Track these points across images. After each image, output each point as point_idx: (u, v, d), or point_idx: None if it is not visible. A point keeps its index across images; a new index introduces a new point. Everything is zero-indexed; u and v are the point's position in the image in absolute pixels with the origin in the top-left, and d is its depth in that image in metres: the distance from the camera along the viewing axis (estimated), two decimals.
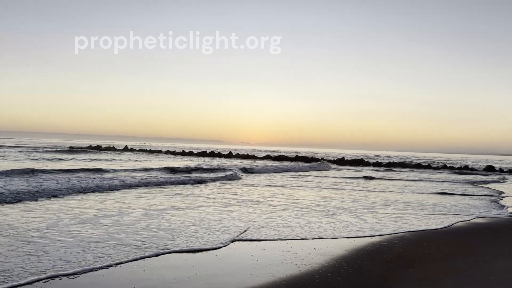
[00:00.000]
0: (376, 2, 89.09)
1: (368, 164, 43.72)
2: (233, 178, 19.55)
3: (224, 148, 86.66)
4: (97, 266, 5.18)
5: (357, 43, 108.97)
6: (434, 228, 8.81)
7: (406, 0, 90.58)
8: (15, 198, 10.07)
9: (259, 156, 50.43)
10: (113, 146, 60.24)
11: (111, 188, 13.21)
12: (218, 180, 18.31)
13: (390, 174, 29.40)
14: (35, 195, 10.65)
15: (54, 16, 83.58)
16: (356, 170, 33.42)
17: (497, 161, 79.37)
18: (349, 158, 49.09)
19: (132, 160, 33.96)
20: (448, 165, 43.14)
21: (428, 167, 41.21)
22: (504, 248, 7.24)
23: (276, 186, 17.12)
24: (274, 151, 73.05)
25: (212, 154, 49.84)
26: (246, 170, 24.84)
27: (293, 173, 26.46)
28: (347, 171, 32.04)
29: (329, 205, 11.66)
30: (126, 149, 56.91)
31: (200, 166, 26.12)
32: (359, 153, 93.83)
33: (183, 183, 16.19)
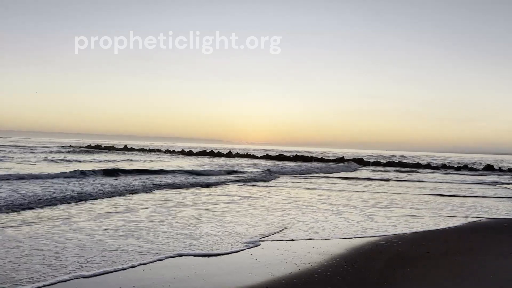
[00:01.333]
0: (376, 2, 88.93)
1: (367, 163, 43.79)
2: (263, 179, 19.41)
3: (224, 147, 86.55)
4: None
5: (357, 43, 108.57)
6: (441, 228, 8.83)
7: (406, 0, 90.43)
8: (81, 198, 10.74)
9: (259, 156, 50.38)
10: (113, 146, 60.22)
11: (160, 187, 14.06)
12: (252, 180, 18.51)
13: (408, 175, 28.70)
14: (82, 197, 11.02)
15: (54, 16, 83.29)
16: (381, 171, 32.82)
17: (500, 160, 79.18)
18: (348, 158, 49.13)
19: (151, 161, 33.00)
20: (454, 166, 43.12)
21: (428, 166, 41.23)
22: (503, 247, 7.25)
23: (322, 189, 16.62)
24: (278, 151, 72.78)
25: (211, 153, 49.82)
26: (271, 172, 23.85)
27: (322, 174, 25.75)
28: (373, 172, 31.37)
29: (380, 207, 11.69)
30: (125, 148, 56.84)
31: (228, 168, 25.07)
32: (359, 153, 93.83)
33: (210, 184, 16.41)
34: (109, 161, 30.38)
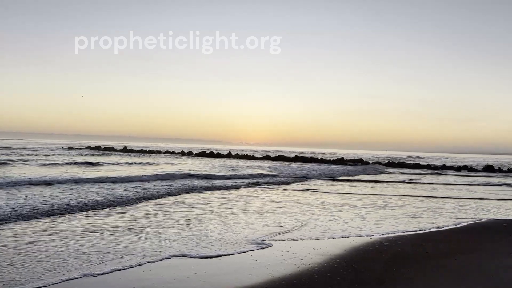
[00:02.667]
0: (376, 2, 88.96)
1: (367, 163, 43.88)
2: (290, 182, 19.39)
3: (224, 148, 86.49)
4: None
5: (357, 43, 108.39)
6: (441, 228, 8.84)
7: (406, 0, 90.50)
8: None
9: (258, 157, 50.36)
10: (112, 147, 60.27)
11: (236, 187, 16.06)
12: (285, 183, 18.64)
13: (435, 178, 27.36)
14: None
15: (54, 16, 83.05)
16: (409, 173, 31.25)
17: (505, 161, 78.70)
18: (348, 158, 49.18)
19: (170, 164, 31.72)
20: (458, 166, 43.13)
21: (427, 167, 41.23)
22: (502, 247, 7.26)
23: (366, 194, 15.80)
24: (281, 151, 72.59)
25: (211, 155, 49.91)
26: (306, 177, 22.75)
27: (350, 177, 24.51)
28: (401, 175, 29.68)
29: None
30: (125, 150, 56.82)
31: (255, 172, 24.17)
32: (358, 153, 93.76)
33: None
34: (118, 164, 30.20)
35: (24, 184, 13.07)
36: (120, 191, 12.79)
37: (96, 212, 9.17)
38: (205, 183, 16.93)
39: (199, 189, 14.65)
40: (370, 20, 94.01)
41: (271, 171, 25.94)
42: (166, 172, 20.25)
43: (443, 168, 40.43)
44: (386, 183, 21.27)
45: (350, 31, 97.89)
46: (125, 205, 10.33)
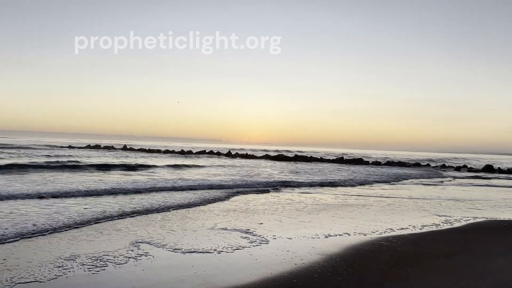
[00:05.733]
0: (376, 2, 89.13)
1: (367, 163, 43.94)
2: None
3: (224, 147, 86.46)
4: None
5: (357, 43, 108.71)
6: (434, 228, 8.83)
7: (406, 0, 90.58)
8: None
9: (258, 156, 50.44)
10: (112, 146, 60.37)
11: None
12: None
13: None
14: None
15: (54, 16, 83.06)
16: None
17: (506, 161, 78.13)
18: (349, 158, 49.23)
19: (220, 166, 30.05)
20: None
21: (425, 166, 41.29)
22: (502, 247, 7.25)
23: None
24: (285, 151, 72.51)
25: (211, 153, 50.04)
26: (363, 183, 21.16)
27: (414, 180, 23.54)
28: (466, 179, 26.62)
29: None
30: (125, 148, 56.87)
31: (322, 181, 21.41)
32: (357, 153, 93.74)
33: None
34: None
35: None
36: None
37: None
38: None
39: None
40: (369, 20, 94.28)
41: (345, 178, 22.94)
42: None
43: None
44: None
45: (350, 31, 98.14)
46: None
